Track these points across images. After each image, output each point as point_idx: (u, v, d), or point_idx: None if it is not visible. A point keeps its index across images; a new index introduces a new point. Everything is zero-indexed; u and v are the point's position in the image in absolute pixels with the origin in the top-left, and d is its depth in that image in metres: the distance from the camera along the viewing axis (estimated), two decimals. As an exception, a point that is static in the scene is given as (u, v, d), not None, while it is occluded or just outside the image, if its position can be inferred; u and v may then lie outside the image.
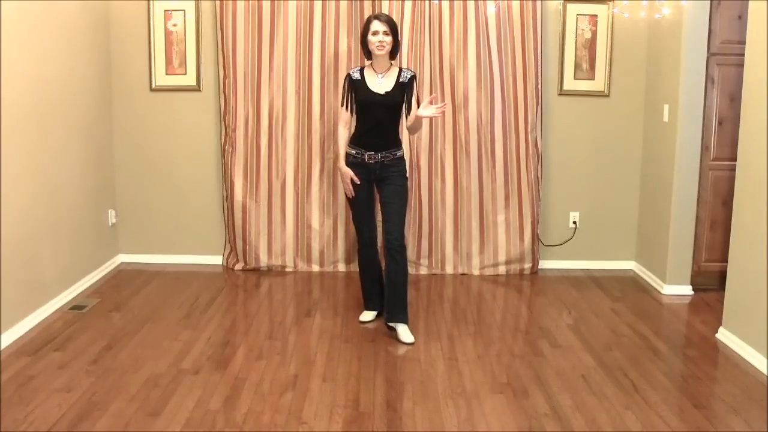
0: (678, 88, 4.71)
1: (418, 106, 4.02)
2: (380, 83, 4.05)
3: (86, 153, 4.86)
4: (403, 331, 4.00)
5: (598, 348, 3.95)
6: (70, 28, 4.58)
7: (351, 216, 4.38)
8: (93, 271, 4.97)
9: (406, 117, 4.11)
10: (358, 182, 4.06)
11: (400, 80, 4.06)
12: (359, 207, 4.17)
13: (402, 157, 4.16)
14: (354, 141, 4.13)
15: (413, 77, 4.11)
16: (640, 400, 3.30)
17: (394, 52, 4.10)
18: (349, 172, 4.07)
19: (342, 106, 4.15)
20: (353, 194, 4.11)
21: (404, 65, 4.99)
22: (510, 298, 4.92)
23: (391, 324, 4.06)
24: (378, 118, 4.04)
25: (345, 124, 4.17)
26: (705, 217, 4.85)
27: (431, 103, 3.95)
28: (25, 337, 3.93)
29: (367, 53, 4.09)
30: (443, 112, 3.91)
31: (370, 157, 4.04)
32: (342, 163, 4.12)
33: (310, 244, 5.35)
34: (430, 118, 4.64)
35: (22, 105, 3.96)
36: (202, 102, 5.32)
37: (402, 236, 4.06)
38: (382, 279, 4.26)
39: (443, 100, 5.10)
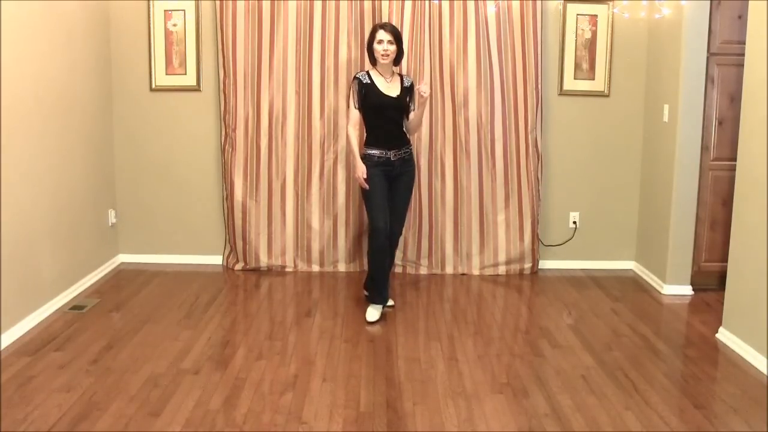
0: (678, 88, 4.71)
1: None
2: (390, 87, 4.29)
3: (86, 153, 4.85)
4: (371, 310, 4.34)
5: (598, 348, 3.95)
6: (70, 28, 4.57)
7: (365, 207, 4.42)
8: (93, 271, 4.97)
9: (407, 118, 4.37)
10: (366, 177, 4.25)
11: (404, 85, 4.34)
12: (377, 197, 4.24)
13: (413, 153, 4.49)
14: (372, 143, 4.29)
15: (412, 82, 4.43)
16: (640, 400, 3.30)
17: (398, 58, 4.32)
18: (363, 169, 4.22)
19: (355, 107, 4.28)
20: (368, 187, 4.23)
21: (404, 65, 5.01)
22: (510, 298, 4.92)
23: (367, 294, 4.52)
24: (393, 119, 4.29)
25: (355, 125, 4.36)
26: (705, 217, 4.85)
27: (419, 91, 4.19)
28: (25, 337, 3.93)
29: (373, 59, 4.32)
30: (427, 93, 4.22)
31: (395, 155, 4.28)
32: (359, 161, 4.26)
33: (310, 244, 5.34)
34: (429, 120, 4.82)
35: (22, 105, 3.96)
36: (202, 102, 5.32)
37: (401, 233, 4.53)
38: (389, 269, 4.48)
39: (443, 100, 5.18)
